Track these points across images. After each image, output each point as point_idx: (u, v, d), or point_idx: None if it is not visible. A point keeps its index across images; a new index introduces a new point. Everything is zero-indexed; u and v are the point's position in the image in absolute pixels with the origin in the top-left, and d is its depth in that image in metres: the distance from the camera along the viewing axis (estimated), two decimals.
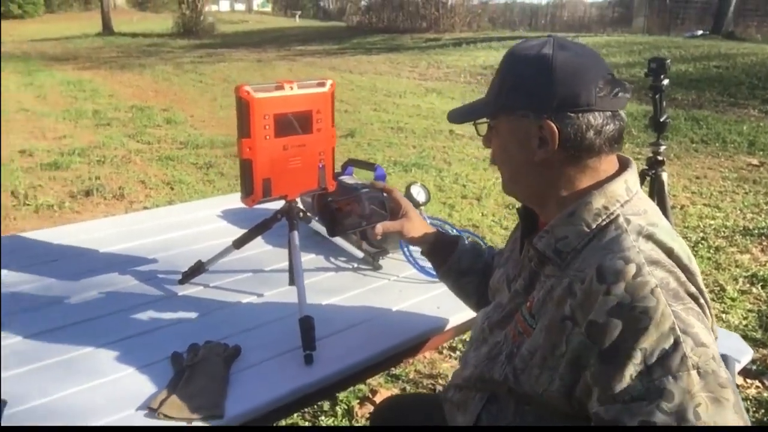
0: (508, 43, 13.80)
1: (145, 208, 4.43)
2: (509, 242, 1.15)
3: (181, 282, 1.53)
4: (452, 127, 7.02)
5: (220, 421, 1.05)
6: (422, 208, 1.65)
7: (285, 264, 1.63)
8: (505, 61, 0.94)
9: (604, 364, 0.78)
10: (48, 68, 13.70)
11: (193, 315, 1.40)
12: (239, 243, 1.49)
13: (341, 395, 2.24)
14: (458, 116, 1.00)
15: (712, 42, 11.86)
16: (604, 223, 0.87)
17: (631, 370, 0.75)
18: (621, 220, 0.86)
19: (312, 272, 1.62)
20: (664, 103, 1.95)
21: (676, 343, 0.75)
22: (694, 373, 0.73)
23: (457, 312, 1.42)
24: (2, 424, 1.00)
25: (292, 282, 1.50)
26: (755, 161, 5.59)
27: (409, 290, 1.55)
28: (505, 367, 0.93)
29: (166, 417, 1.05)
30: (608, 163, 0.92)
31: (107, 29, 22.80)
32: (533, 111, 0.89)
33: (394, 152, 6.02)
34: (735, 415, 0.73)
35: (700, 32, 13.46)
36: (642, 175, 2.10)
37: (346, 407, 2.20)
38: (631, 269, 0.79)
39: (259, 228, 1.47)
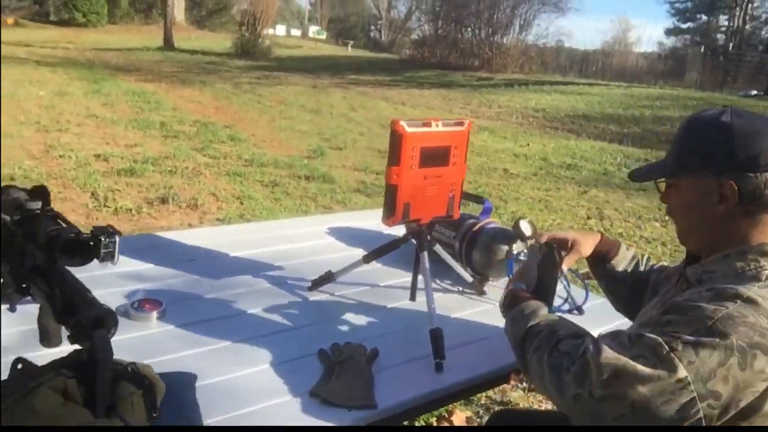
0: (560, 88, 13.99)
1: (218, 219, 4.66)
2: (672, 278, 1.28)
3: (310, 289, 1.69)
4: (506, 166, 7.17)
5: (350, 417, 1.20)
6: (528, 242, 1.79)
7: (400, 281, 1.79)
8: (685, 127, 1.10)
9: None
10: (112, 77, 14.30)
11: (325, 318, 1.56)
12: (369, 258, 1.65)
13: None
14: (641, 175, 1.18)
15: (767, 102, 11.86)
16: (750, 272, 1.00)
17: (658, 331, 0.92)
18: (765, 274, 0.99)
19: (421, 291, 1.77)
20: None
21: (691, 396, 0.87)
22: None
23: None
24: (196, 395, 1.16)
25: (413, 297, 1.65)
26: None
27: None
28: None
29: (327, 402, 1.20)
30: None
31: (168, 44, 23.64)
32: (713, 172, 1.03)
33: None
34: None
35: (754, 92, 13.46)
36: None
37: (424, 423, 2.33)
38: (736, 296, 0.92)
39: (390, 246, 1.64)
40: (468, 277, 1.76)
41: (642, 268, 1.43)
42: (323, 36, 33.27)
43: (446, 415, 2.37)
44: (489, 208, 1.94)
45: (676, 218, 1.14)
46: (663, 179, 1.14)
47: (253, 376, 1.28)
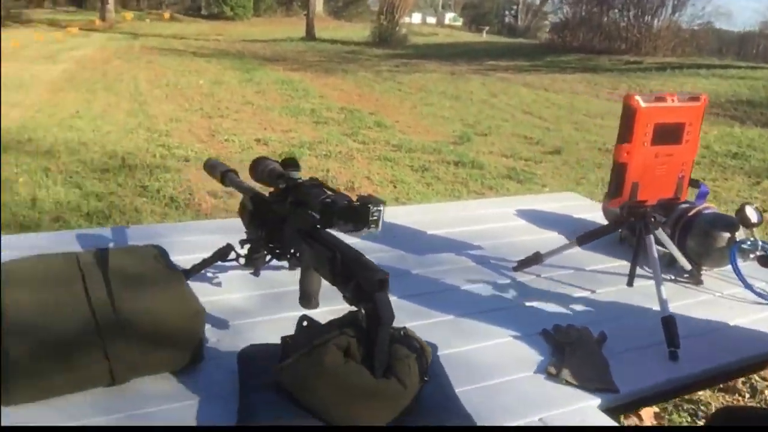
0: (718, 72, 12.93)
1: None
2: None
3: (516, 269, 1.67)
4: None
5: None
6: (755, 231, 1.66)
7: (608, 265, 1.72)
8: None
9: None
10: (262, 67, 15.05)
11: (538, 299, 1.53)
12: (583, 240, 1.60)
13: None
14: None
15: None
16: None
17: None
18: None
19: (640, 277, 1.68)
20: None
21: None
22: None
23: None
24: (435, 365, 1.18)
25: (630, 283, 1.58)
26: None
27: (740, 308, 1.57)
28: None
29: (567, 383, 1.18)
30: None
31: (310, 35, 24.48)
32: None
33: (605, 173, 5.90)
34: None
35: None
36: None
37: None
38: None
39: (605, 229, 1.58)
40: (687, 264, 1.66)
41: None
42: (459, 23, 33.01)
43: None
44: (705, 192, 1.82)
45: None
46: None
47: (485, 349, 1.28)
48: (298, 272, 1.17)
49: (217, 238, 1.46)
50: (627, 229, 1.72)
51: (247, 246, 1.36)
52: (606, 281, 1.65)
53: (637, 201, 1.45)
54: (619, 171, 1.42)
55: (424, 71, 15.07)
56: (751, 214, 1.67)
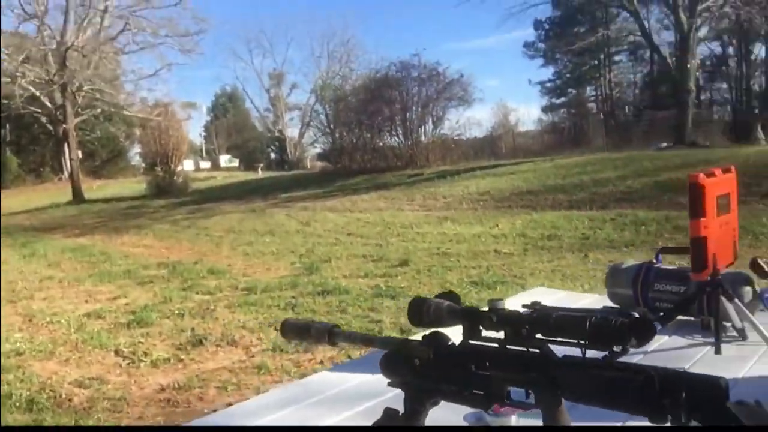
0: (490, 171, 14.69)
1: (265, 350, 4.42)
2: None
3: None
4: (494, 247, 7.35)
5: None
6: None
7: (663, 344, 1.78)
8: None
9: None
10: (39, 239, 13.59)
11: None
12: (665, 319, 1.64)
13: None
14: None
15: (686, 151, 13.02)
16: None
17: None
18: None
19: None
20: None
21: None
22: None
23: None
24: None
25: (718, 350, 1.64)
26: None
27: None
28: None
29: None
30: None
31: (78, 197, 22.93)
32: None
33: (461, 274, 6.24)
34: None
35: (664, 144, 14.76)
36: None
37: None
38: None
39: (686, 303, 1.64)
40: (738, 323, 1.78)
41: None
42: (236, 163, 33.51)
43: None
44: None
45: None
46: None
47: None
48: None
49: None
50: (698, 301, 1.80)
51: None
52: (686, 356, 1.70)
53: (716, 270, 1.54)
54: (699, 244, 1.51)
55: (222, 213, 14.86)
56: (764, 265, 1.87)
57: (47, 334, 5.34)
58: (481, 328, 1.12)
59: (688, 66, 15.93)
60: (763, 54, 28.58)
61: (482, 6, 55.43)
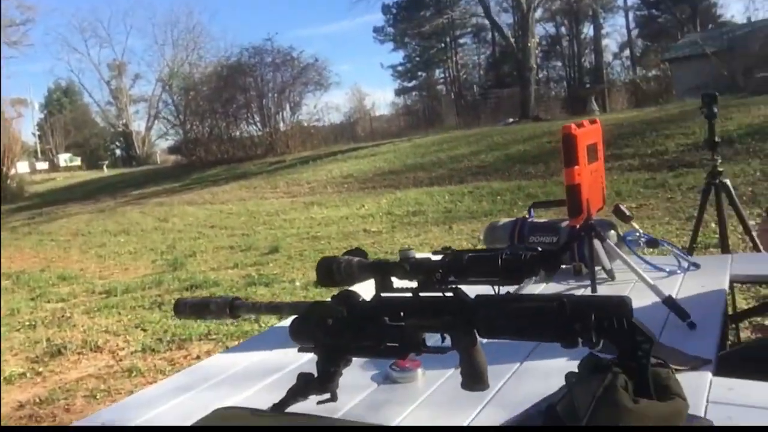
0: (351, 154, 14.81)
1: (135, 352, 4.16)
2: None
3: None
4: (364, 227, 7.43)
5: None
6: (633, 222, 2.01)
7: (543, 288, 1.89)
8: None
9: None
10: None
11: None
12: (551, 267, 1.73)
13: None
14: None
15: (532, 125, 13.91)
16: None
17: None
18: None
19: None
20: (715, 127, 2.57)
21: None
22: None
23: None
24: None
25: (594, 289, 1.76)
26: (633, 205, 6.72)
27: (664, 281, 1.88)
28: None
29: (676, 370, 1.27)
30: None
31: None
32: None
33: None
34: None
35: (511, 120, 15.68)
36: (707, 184, 2.68)
37: None
38: None
39: (564, 249, 1.74)
40: (608, 264, 1.91)
41: None
42: (77, 162, 30.95)
43: None
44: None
45: None
46: None
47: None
48: None
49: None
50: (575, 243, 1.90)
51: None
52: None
53: (590, 215, 1.65)
54: (574, 191, 1.60)
55: (68, 215, 13.75)
56: (625, 210, 2.03)
57: None
58: (393, 280, 1.12)
59: (529, 45, 17.04)
60: (592, 33, 31.20)
61: None
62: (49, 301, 5.97)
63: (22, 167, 25.94)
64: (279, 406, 1.12)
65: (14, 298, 6.28)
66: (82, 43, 53.36)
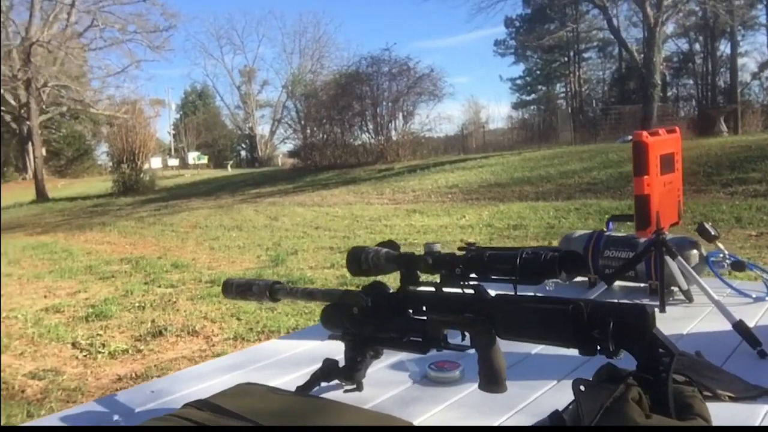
0: (459, 165, 14.76)
1: (227, 339, 4.37)
2: None
3: None
4: (461, 237, 7.38)
5: None
6: (719, 243, 1.87)
7: None
8: None
9: None
10: None
11: None
12: (611, 279, 1.65)
13: None
14: None
15: None
16: None
17: None
18: None
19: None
20: None
21: None
22: None
23: None
24: None
25: (662, 309, 1.65)
26: (753, 233, 6.21)
27: (744, 307, 1.74)
28: None
29: (731, 399, 1.17)
30: None
31: (42, 196, 22.46)
32: None
33: None
34: None
35: (630, 137, 14.93)
36: None
37: None
38: None
39: (632, 262, 1.65)
40: (684, 284, 1.79)
41: None
42: (204, 160, 33.13)
43: None
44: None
45: None
46: None
47: None
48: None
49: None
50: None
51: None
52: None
53: (660, 229, 1.55)
54: (643, 202, 1.51)
55: (189, 209, 14.68)
56: (710, 229, 1.89)
57: (2, 330, 5.20)
58: (419, 274, 1.11)
59: (654, 60, 16.23)
60: (728, 50, 29.22)
61: (451, 2, 55.72)
62: (160, 286, 6.41)
63: (155, 163, 28.07)
64: (303, 389, 1.15)
65: (131, 281, 6.80)
66: (217, 49, 57.11)
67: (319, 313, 1.21)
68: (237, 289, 1.34)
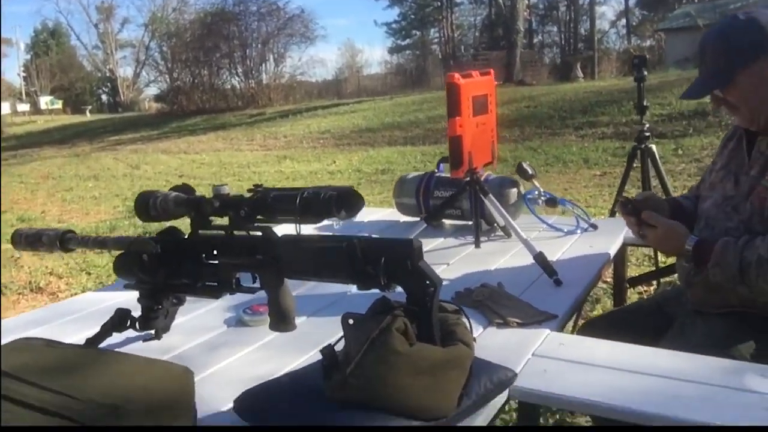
0: (332, 110, 14.64)
1: (74, 295, 4.14)
2: (720, 158, 1.48)
3: None
4: (331, 182, 7.38)
5: None
6: (535, 181, 1.98)
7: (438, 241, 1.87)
8: (716, 39, 1.32)
9: None
10: None
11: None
12: (432, 217, 1.71)
13: None
14: (696, 93, 1.36)
15: (513, 88, 13.75)
16: None
17: None
18: None
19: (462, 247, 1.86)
20: (644, 90, 2.52)
21: None
22: None
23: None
24: None
25: (477, 245, 1.74)
26: (597, 172, 6.70)
27: (553, 241, 1.87)
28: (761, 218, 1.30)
29: (518, 325, 1.26)
30: None
31: None
32: (762, 54, 1.28)
33: None
34: None
35: (496, 83, 15.47)
36: (634, 149, 2.65)
37: None
38: None
39: (450, 201, 1.71)
40: (501, 220, 1.89)
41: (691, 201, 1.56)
42: (58, 105, 30.38)
43: None
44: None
45: (745, 106, 1.32)
46: (719, 87, 1.33)
47: None
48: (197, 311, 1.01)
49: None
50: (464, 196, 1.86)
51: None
52: (452, 254, 1.79)
53: (475, 168, 1.62)
54: (456, 143, 1.57)
55: (42, 159, 13.57)
56: (527, 168, 2.00)
57: None
58: (212, 219, 1.09)
59: (518, 7, 16.77)
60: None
61: None
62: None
63: (3, 108, 25.51)
64: (92, 341, 1.11)
65: None
66: None
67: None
68: (26, 240, 1.25)
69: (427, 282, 0.87)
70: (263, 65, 17.68)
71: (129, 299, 1.26)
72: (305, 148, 10.91)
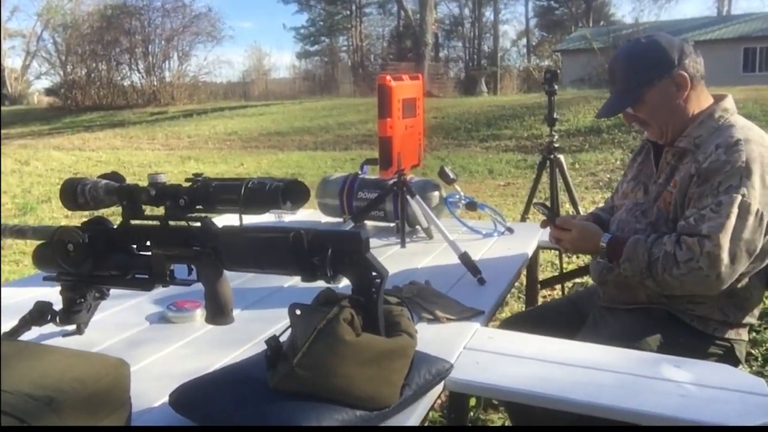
0: (240, 112, 14.36)
1: None
2: (631, 171, 1.58)
3: None
4: None
5: None
6: (456, 185, 2.04)
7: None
8: (623, 61, 1.43)
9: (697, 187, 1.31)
10: None
11: None
12: (358, 218, 1.72)
13: None
14: (610, 111, 1.45)
15: None
16: (725, 123, 1.40)
17: (722, 194, 1.27)
18: (732, 119, 1.41)
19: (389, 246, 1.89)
20: (554, 103, 2.66)
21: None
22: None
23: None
24: None
25: (403, 245, 1.77)
26: (501, 182, 6.96)
27: (475, 242, 1.93)
28: (666, 220, 1.40)
29: (448, 320, 1.30)
30: (707, 91, 1.45)
31: None
32: (666, 73, 1.39)
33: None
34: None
35: None
36: (543, 159, 2.78)
37: None
38: (738, 141, 1.33)
39: (376, 202, 1.73)
40: (425, 222, 1.94)
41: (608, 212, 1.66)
42: None
43: None
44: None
45: (654, 122, 1.43)
46: (630, 105, 1.43)
47: None
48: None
49: None
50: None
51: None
52: (377, 253, 1.80)
53: (402, 170, 1.65)
54: (386, 144, 1.59)
55: None
56: (449, 173, 2.05)
57: None
58: (144, 208, 1.05)
59: (427, 20, 17.16)
60: (492, 17, 31.91)
61: None
62: None
63: None
64: (10, 334, 1.04)
65: None
66: None
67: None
68: None
69: (374, 273, 0.88)
70: (166, 62, 17.09)
71: (48, 293, 1.19)
72: (211, 149, 10.63)
